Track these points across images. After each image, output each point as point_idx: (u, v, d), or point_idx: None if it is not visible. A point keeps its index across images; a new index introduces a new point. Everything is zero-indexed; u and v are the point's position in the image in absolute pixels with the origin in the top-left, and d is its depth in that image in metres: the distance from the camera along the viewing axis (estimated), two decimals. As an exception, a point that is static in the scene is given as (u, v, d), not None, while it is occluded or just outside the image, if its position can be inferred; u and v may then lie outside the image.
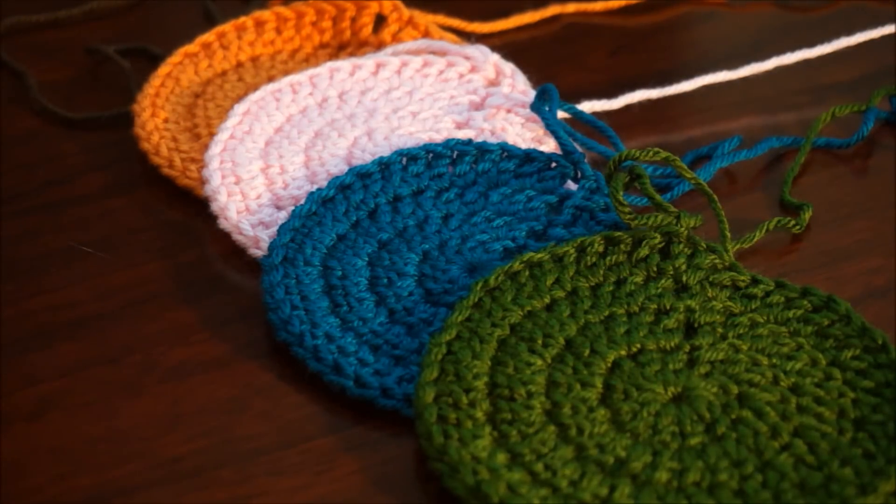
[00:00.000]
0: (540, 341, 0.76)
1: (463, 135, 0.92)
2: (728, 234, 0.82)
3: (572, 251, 0.80)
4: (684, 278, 0.80)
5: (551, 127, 0.90)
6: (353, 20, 1.04)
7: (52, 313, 0.83)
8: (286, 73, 1.00)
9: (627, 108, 0.98)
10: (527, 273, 0.79)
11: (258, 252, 0.85)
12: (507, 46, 1.04)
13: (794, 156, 0.94)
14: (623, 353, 0.76)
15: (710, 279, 0.80)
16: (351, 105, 0.95)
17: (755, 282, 0.80)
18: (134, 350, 0.80)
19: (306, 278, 0.81)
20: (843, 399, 0.73)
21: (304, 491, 0.72)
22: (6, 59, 1.05)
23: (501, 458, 0.70)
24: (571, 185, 0.88)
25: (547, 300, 0.78)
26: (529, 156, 0.89)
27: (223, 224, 0.87)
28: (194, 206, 0.90)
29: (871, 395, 0.73)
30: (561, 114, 0.93)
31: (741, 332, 0.77)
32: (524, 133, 0.94)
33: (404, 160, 0.88)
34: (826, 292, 0.78)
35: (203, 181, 0.89)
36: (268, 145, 0.91)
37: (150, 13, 1.14)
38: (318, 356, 0.77)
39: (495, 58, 0.99)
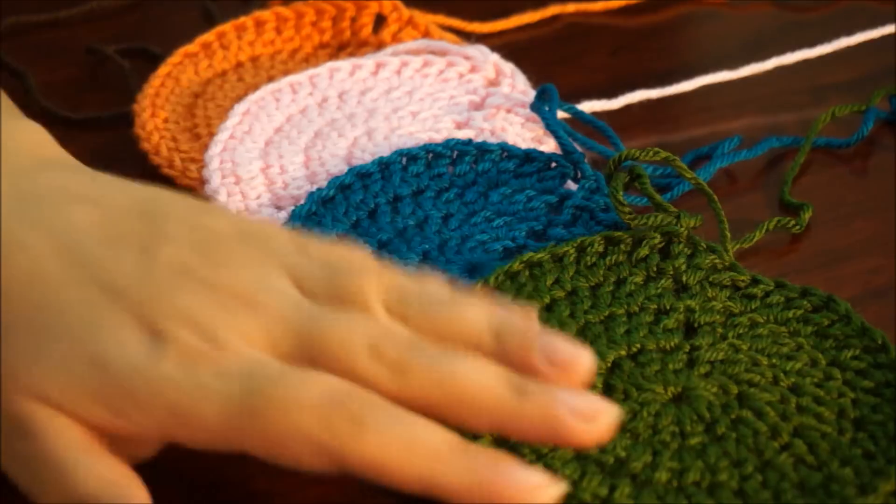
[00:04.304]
0: (540, 341, 0.76)
1: (463, 135, 0.92)
2: (728, 234, 0.82)
3: (572, 251, 0.80)
4: (684, 278, 0.79)
5: (551, 127, 0.90)
6: (353, 20, 1.04)
7: (52, 313, 0.82)
8: (286, 73, 1.00)
9: (627, 108, 0.98)
10: (526, 273, 0.79)
11: (258, 252, 0.85)
12: (507, 46, 1.04)
13: (794, 156, 0.94)
14: (623, 353, 0.75)
15: (710, 279, 0.80)
16: (351, 105, 0.95)
17: (755, 282, 0.80)
18: (134, 350, 0.80)
19: (306, 278, 0.81)
20: (843, 399, 0.73)
21: (304, 491, 0.72)
22: (6, 59, 1.05)
23: (501, 458, 0.70)
24: (571, 185, 0.88)
25: (547, 300, 0.78)
26: (529, 156, 0.89)
27: (223, 224, 0.86)
28: (194, 206, 0.90)
29: (871, 395, 0.73)
30: (561, 114, 0.93)
31: (741, 332, 0.77)
32: (524, 133, 0.94)
33: (404, 160, 0.88)
34: (826, 292, 0.78)
35: (203, 181, 0.89)
36: (268, 145, 0.91)
37: (150, 13, 1.13)
38: (317, 356, 0.77)
39: (495, 58, 0.99)
